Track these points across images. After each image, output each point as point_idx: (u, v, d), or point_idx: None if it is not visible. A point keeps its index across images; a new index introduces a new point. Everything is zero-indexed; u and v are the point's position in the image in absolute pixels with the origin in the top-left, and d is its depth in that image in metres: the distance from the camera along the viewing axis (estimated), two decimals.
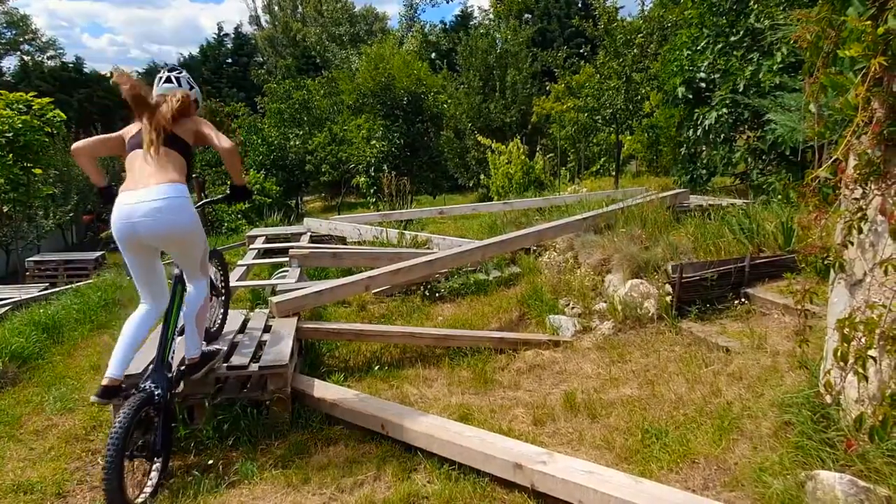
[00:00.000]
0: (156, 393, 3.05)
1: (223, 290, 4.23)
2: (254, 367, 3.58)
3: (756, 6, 8.48)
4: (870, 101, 2.45)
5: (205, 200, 3.97)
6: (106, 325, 5.98)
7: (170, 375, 3.26)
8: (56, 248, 17.75)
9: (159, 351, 3.22)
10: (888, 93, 2.43)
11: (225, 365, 3.58)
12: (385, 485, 3.02)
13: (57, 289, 8.79)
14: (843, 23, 2.43)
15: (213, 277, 3.86)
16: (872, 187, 2.52)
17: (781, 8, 8.02)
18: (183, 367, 3.40)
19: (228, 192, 3.64)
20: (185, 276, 3.38)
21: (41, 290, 9.00)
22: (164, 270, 3.40)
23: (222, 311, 4.22)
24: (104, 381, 2.98)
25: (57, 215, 16.58)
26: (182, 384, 3.45)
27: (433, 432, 3.15)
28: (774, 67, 7.82)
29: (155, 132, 3.16)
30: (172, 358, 3.40)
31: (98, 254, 14.18)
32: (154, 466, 3.07)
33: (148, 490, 2.97)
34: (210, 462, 3.23)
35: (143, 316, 3.25)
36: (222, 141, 3.29)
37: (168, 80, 3.45)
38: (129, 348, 3.12)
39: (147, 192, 3.05)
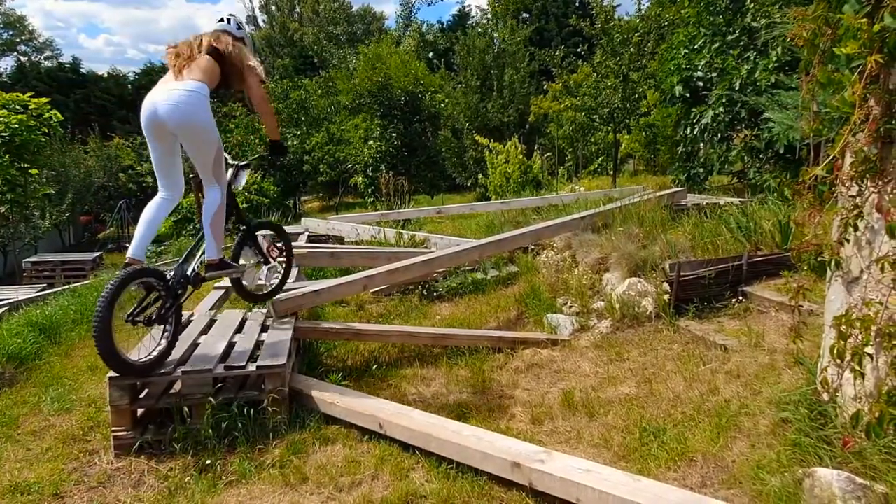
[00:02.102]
0: (168, 275, 3.55)
1: (281, 256, 4.63)
2: (251, 366, 3.57)
3: (752, 5, 8.49)
4: (866, 99, 2.46)
5: (246, 160, 4.25)
6: None
7: (187, 269, 3.68)
8: (53, 249, 17.71)
9: (186, 253, 3.80)
10: (885, 90, 2.44)
11: (223, 365, 3.57)
12: (383, 484, 3.02)
13: (54, 289, 8.79)
14: (840, 20, 2.44)
15: (266, 247, 4.46)
16: (869, 185, 2.53)
17: (778, 6, 8.03)
18: (205, 264, 3.78)
19: (269, 151, 4.14)
20: (201, 181, 3.74)
21: (38, 291, 9.01)
22: (181, 166, 3.81)
23: (277, 277, 4.56)
24: (126, 260, 3.52)
25: (54, 215, 16.56)
26: (192, 287, 3.78)
27: (431, 431, 3.14)
28: (770, 66, 7.83)
29: (186, 49, 3.63)
30: (197, 267, 3.79)
31: (95, 254, 14.18)
32: (157, 338, 3.54)
33: (144, 356, 3.43)
34: (208, 462, 3.22)
35: (158, 203, 3.73)
36: (257, 87, 3.75)
37: (222, 20, 3.93)
38: (147, 232, 3.65)
39: (175, 83, 3.49)
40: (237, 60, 3.72)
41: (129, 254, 3.56)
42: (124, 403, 3.35)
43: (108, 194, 22.29)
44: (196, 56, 3.61)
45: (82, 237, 21.76)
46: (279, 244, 4.69)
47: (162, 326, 3.59)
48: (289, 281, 5.48)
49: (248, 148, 18.65)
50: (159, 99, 3.45)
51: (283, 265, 4.67)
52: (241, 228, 4.26)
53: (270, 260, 4.51)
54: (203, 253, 3.81)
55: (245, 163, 4.21)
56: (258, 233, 4.45)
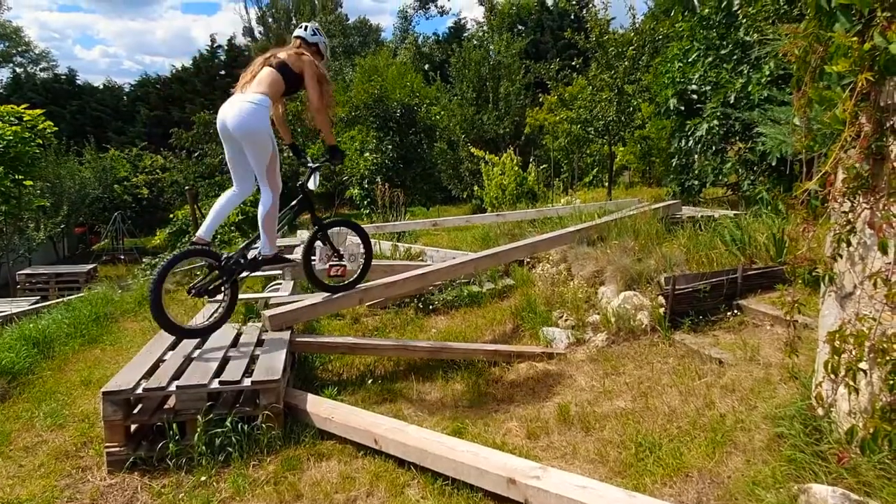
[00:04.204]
0: (220, 254, 4.22)
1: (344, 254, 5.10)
2: (246, 381, 3.56)
3: (745, 20, 8.58)
4: (857, 116, 2.48)
5: (313, 166, 4.64)
6: (97, 339, 5.94)
7: (246, 253, 4.33)
8: (47, 261, 17.63)
9: (248, 241, 4.46)
10: (875, 107, 2.46)
11: (217, 380, 3.56)
12: (378, 500, 3.00)
13: (48, 302, 8.74)
14: (830, 38, 2.46)
15: (335, 240, 4.94)
16: (861, 200, 2.55)
17: (770, 22, 8.11)
18: (260, 257, 4.36)
19: (328, 155, 4.59)
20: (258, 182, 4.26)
21: (32, 304, 8.96)
22: (249, 167, 4.22)
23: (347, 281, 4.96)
24: (194, 238, 4.16)
25: (48, 227, 16.50)
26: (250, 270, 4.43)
27: (426, 447, 3.13)
28: (763, 80, 7.90)
29: (254, 66, 4.24)
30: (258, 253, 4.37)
31: (89, 266, 14.09)
32: (211, 306, 4.39)
33: (199, 323, 4.31)
34: (202, 478, 3.20)
35: (230, 194, 4.33)
36: (313, 96, 4.23)
37: (297, 26, 4.53)
38: (216, 217, 4.23)
39: (241, 95, 4.08)
40: (300, 71, 4.22)
41: (198, 233, 4.17)
42: (118, 419, 3.33)
43: (103, 206, 22.19)
44: (260, 70, 4.17)
45: (77, 249, 21.66)
46: (355, 239, 5.18)
47: (220, 298, 4.28)
48: (284, 294, 5.48)
49: None
50: (227, 109, 4.05)
51: (363, 258, 5.08)
52: (314, 226, 4.75)
53: (342, 252, 4.97)
54: (255, 241, 4.40)
55: (317, 165, 4.64)
56: (332, 229, 4.93)
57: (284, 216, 4.57)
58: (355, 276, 5.00)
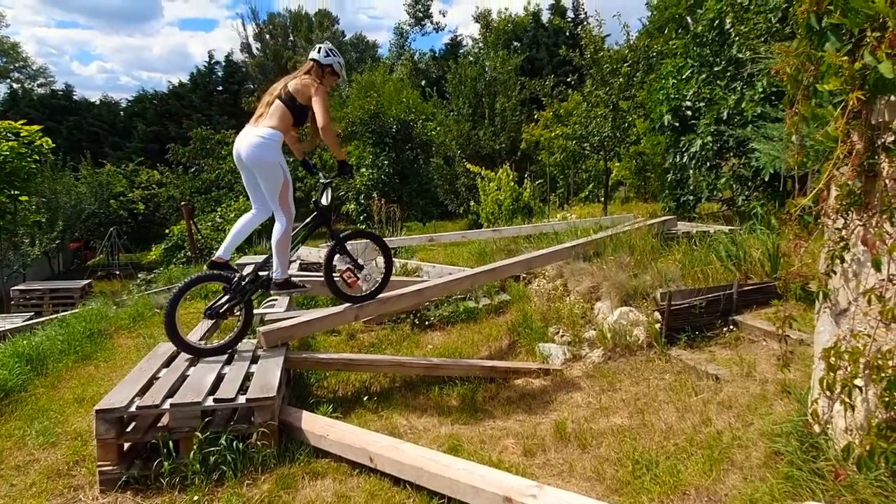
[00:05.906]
0: (233, 277, 4.41)
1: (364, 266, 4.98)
2: (241, 399, 3.53)
3: (738, 38, 8.66)
4: (849, 134, 2.51)
5: (326, 181, 4.71)
6: (91, 355, 5.89)
7: (259, 275, 4.46)
8: (42, 276, 17.53)
9: (262, 262, 4.59)
10: (867, 125, 2.48)
11: (212, 397, 3.53)
12: None
13: (42, 318, 8.68)
14: (822, 58, 2.49)
15: (354, 253, 4.94)
16: (854, 217, 2.56)
17: (762, 40, 8.19)
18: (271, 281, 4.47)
19: (338, 168, 4.64)
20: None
21: (26, 320, 8.89)
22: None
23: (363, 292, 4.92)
24: (213, 258, 4.43)
25: (43, 243, 16.45)
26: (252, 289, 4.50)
27: (422, 465, 3.11)
28: (756, 97, 7.96)
29: (268, 97, 4.39)
30: (271, 274, 4.47)
31: (84, 282, 14.02)
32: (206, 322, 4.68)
33: (205, 342, 4.50)
34: (195, 498, 3.16)
35: (250, 216, 4.53)
36: (319, 117, 4.28)
37: (312, 48, 4.63)
38: (235, 238, 4.48)
39: (253, 128, 4.29)
40: (307, 101, 4.34)
41: (217, 254, 4.43)
42: (111, 437, 3.30)
43: (99, 221, 22.19)
44: (274, 102, 4.32)
45: (72, 264, 21.59)
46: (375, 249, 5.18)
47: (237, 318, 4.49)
48: (279, 311, 5.46)
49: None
50: (240, 140, 4.29)
51: (383, 269, 5.05)
52: (332, 241, 4.79)
53: (362, 264, 4.93)
54: (270, 264, 4.50)
55: (328, 180, 4.71)
56: (350, 242, 4.96)
57: (298, 234, 4.59)
58: (367, 292, 4.94)
